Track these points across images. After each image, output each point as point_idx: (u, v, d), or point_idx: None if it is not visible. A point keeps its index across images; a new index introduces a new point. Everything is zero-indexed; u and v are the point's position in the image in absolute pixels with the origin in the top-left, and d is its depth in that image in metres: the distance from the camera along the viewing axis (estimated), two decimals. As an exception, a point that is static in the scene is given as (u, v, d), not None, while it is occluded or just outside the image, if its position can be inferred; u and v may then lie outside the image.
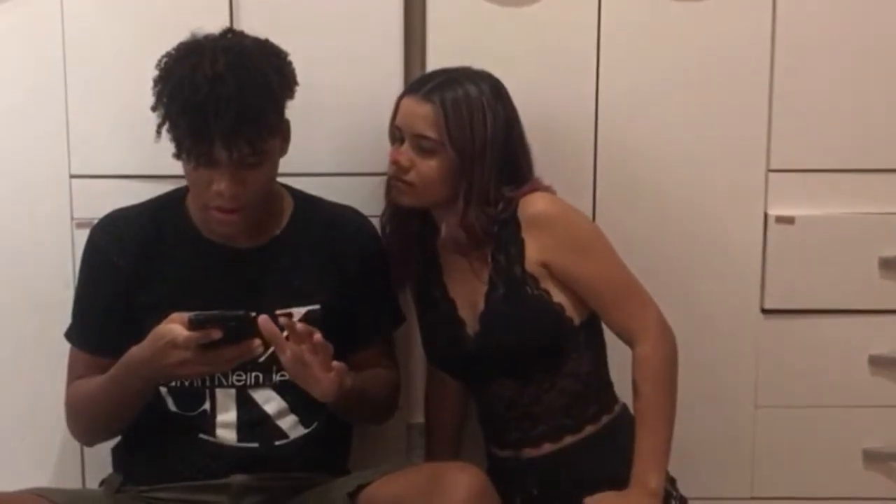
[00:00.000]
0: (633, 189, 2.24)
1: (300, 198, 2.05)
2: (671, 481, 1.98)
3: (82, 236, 2.03)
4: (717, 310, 2.28)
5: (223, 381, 1.93)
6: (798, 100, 2.22)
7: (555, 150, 2.14)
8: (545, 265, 1.95)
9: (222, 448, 1.93)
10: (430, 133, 1.93)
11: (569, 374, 1.98)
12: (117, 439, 2.02)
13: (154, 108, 1.83)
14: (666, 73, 2.20)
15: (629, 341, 1.95)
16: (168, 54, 1.84)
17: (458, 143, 1.91)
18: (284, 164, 1.96)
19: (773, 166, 2.24)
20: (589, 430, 2.00)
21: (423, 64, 2.18)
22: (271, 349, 1.80)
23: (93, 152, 2.17)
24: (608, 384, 2.06)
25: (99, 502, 1.95)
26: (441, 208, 1.99)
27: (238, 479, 1.91)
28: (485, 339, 1.98)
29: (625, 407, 2.04)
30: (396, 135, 1.99)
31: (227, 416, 1.94)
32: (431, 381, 2.21)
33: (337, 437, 2.05)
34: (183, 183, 1.98)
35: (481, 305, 1.99)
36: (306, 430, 1.97)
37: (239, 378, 1.93)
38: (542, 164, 2.04)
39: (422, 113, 1.93)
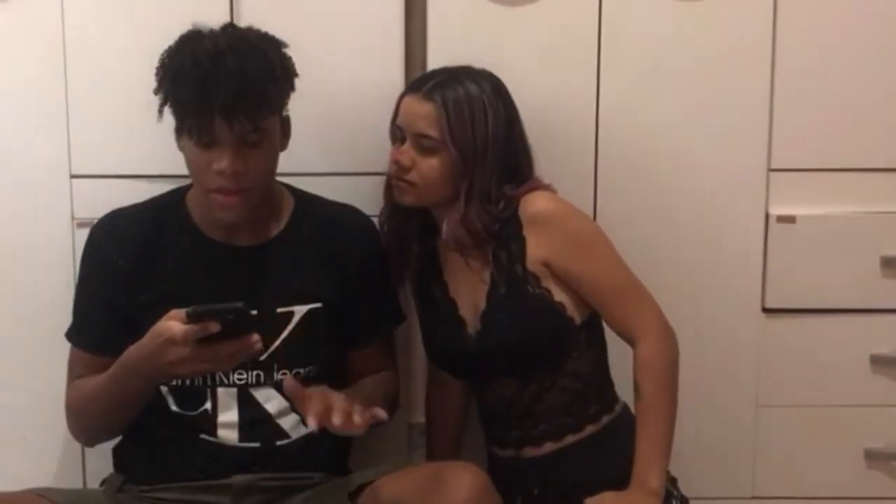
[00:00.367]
0: (633, 189, 2.24)
1: (301, 197, 2.05)
2: (672, 481, 1.98)
3: (82, 236, 2.03)
4: (719, 309, 2.27)
5: (224, 379, 1.93)
6: (799, 99, 2.22)
7: (555, 150, 2.13)
8: (546, 264, 1.95)
9: (223, 448, 1.93)
10: (432, 132, 1.92)
11: (570, 373, 1.98)
12: (118, 439, 2.02)
13: (156, 91, 1.84)
14: (666, 72, 2.20)
15: (630, 340, 1.95)
16: (170, 47, 1.85)
17: (460, 142, 1.91)
18: (284, 164, 1.96)
19: (774, 166, 2.24)
20: (590, 429, 2.00)
21: (423, 63, 2.18)
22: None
23: (93, 152, 2.16)
24: (609, 383, 2.06)
25: (100, 502, 1.94)
26: (442, 207, 1.98)
27: (239, 479, 1.91)
28: (486, 338, 1.98)
29: (626, 406, 2.03)
30: (397, 134, 1.99)
31: (228, 415, 1.93)
32: (432, 380, 2.21)
33: (338, 436, 2.04)
34: (183, 183, 1.99)
35: (482, 304, 1.98)
36: (307, 430, 1.96)
37: (240, 377, 1.93)
38: (543, 163, 2.04)
39: (423, 112, 1.93)
